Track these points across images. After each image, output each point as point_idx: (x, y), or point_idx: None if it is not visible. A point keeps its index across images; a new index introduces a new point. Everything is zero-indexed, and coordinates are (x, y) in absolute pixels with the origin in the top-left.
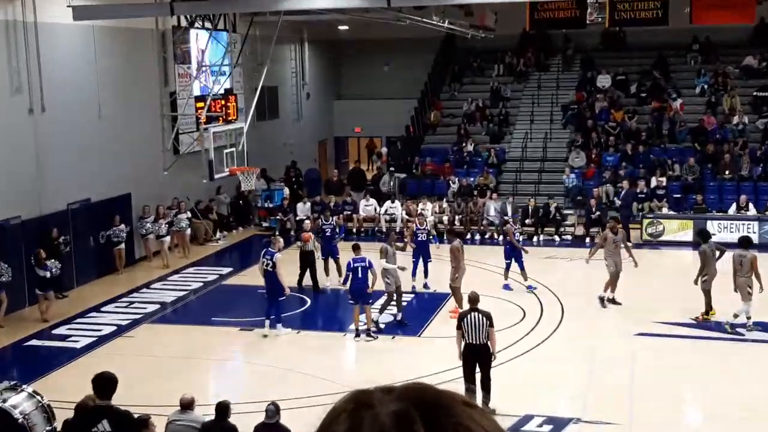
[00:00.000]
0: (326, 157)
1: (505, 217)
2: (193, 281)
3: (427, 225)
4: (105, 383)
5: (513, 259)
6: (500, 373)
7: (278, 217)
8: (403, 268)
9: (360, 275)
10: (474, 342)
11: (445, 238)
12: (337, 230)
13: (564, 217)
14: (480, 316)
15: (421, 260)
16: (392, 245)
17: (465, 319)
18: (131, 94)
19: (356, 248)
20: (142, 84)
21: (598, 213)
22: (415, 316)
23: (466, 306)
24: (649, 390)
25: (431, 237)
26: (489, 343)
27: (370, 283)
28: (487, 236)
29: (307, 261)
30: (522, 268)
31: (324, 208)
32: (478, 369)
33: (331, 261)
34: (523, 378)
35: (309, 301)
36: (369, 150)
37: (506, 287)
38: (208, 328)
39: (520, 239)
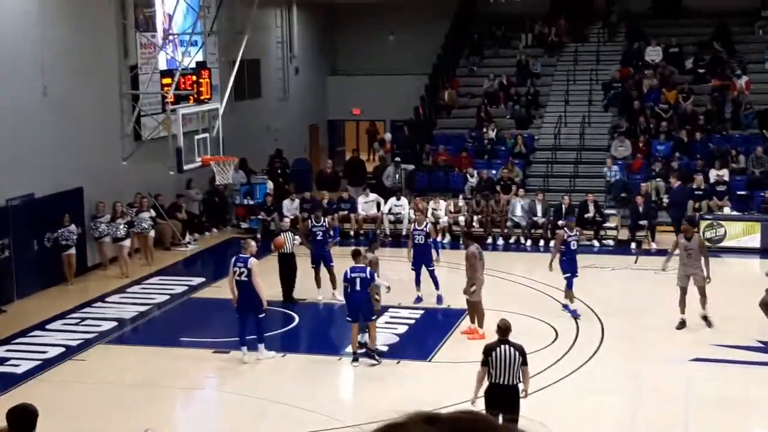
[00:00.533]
0: (318, 144)
1: (561, 222)
2: (158, 293)
3: (426, 226)
4: (23, 418)
5: (571, 271)
6: (531, 406)
7: (260, 216)
8: (388, 289)
9: (359, 287)
10: (501, 382)
11: (460, 242)
12: (331, 233)
13: (605, 218)
14: (511, 350)
15: (423, 268)
16: (373, 252)
17: (493, 354)
18: (83, 69)
19: (356, 255)
20: (96, 56)
21: (645, 213)
22: (424, 336)
23: (486, 329)
24: (706, 426)
25: (431, 240)
26: (520, 384)
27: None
28: (512, 241)
29: (288, 267)
30: (569, 285)
31: (315, 207)
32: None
33: (323, 269)
34: (557, 412)
35: (296, 318)
36: (370, 136)
37: (574, 313)
38: (174, 350)
39: (575, 245)
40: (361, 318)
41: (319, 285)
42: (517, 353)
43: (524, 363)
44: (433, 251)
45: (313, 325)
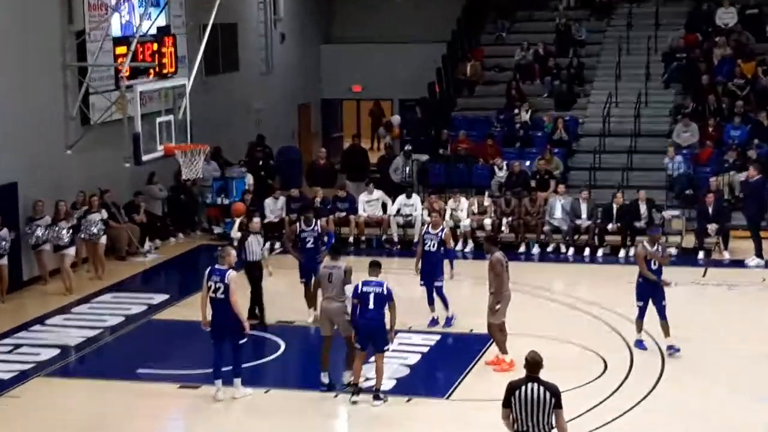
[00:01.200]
0: (309, 129)
1: (645, 236)
2: (110, 314)
3: (442, 231)
4: None
5: (650, 300)
6: None
7: (237, 219)
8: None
9: (372, 305)
10: (528, 430)
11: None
12: (325, 239)
13: (665, 221)
14: (541, 390)
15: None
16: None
17: (516, 394)
18: (18, 36)
19: (374, 267)
20: (33, 21)
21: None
22: (440, 367)
23: (512, 362)
24: None
25: (442, 249)
26: None
27: (387, 321)
28: (550, 249)
29: (252, 279)
30: (662, 315)
31: (305, 206)
32: None
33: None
34: None
35: (282, 345)
36: (374, 119)
37: (639, 344)
38: (131, 384)
39: (666, 254)
40: (372, 347)
41: (310, 304)
42: (547, 394)
43: (558, 405)
44: (446, 263)
45: (302, 354)
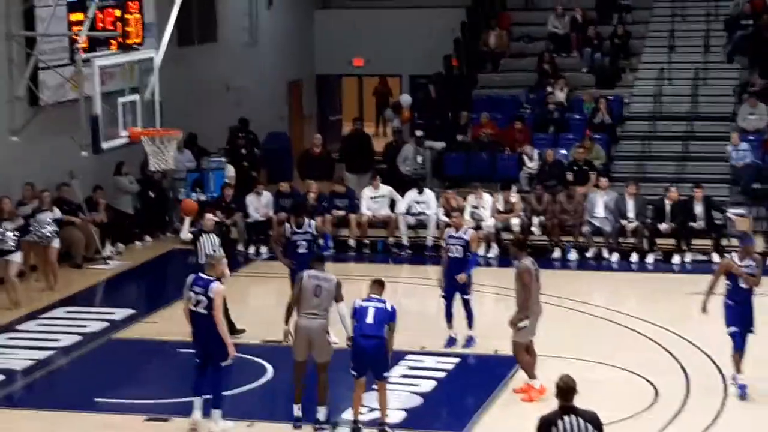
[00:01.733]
0: (302, 111)
1: (732, 254)
2: (63, 333)
3: (467, 232)
4: None
5: (740, 324)
6: None
7: (215, 218)
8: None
9: (371, 320)
10: None
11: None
12: (320, 242)
13: (728, 221)
14: (581, 423)
15: (457, 295)
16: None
17: (557, 428)
18: None
19: (377, 284)
20: None
21: None
22: (459, 396)
23: (542, 388)
24: None
25: (468, 253)
26: None
27: (389, 345)
28: (589, 254)
29: None
30: (738, 345)
31: (297, 204)
32: None
33: None
34: None
35: (269, 370)
36: (379, 99)
37: (741, 390)
38: (88, 415)
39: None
40: (371, 373)
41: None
42: (590, 427)
43: None
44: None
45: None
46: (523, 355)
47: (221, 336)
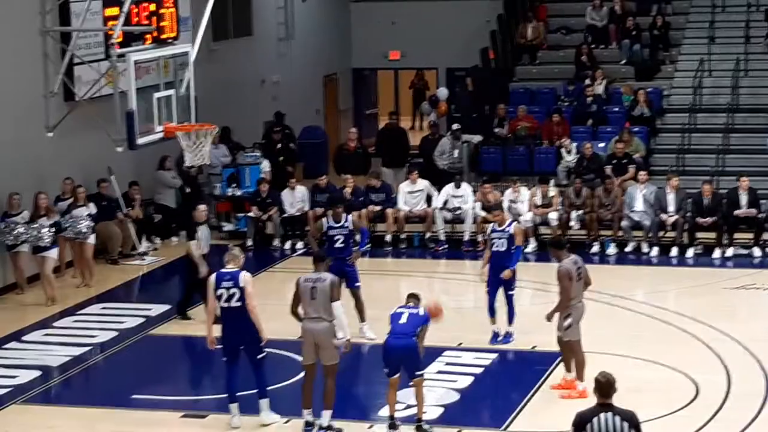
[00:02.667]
0: (337, 105)
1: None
2: (100, 329)
3: (511, 226)
4: None
5: None
6: None
7: (251, 213)
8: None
9: (404, 321)
10: None
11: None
12: (357, 238)
13: None
14: (617, 420)
15: (501, 290)
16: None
17: (588, 428)
18: None
19: (413, 298)
20: None
21: None
22: (497, 392)
23: (584, 392)
24: None
25: (513, 248)
26: None
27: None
28: (629, 248)
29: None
30: None
31: (334, 198)
32: None
33: (346, 293)
34: None
35: None
36: (415, 93)
37: None
38: (124, 412)
39: None
40: (404, 371)
41: (361, 317)
42: (626, 425)
43: None
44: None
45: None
46: (579, 355)
47: (255, 325)
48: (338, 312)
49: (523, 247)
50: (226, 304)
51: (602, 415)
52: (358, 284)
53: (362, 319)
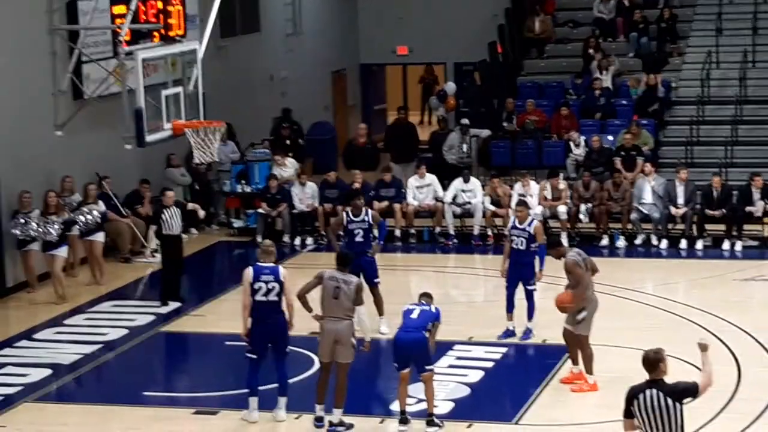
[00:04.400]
0: (346, 101)
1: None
2: (111, 327)
3: (531, 224)
4: None
5: None
6: None
7: (260, 209)
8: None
9: (415, 317)
10: None
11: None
12: (375, 232)
13: None
14: (661, 396)
15: (520, 285)
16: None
17: (636, 403)
18: None
19: (426, 296)
20: None
21: None
22: (507, 386)
23: (595, 385)
24: None
25: (533, 245)
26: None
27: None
28: (638, 241)
29: (174, 254)
30: None
31: (352, 193)
32: None
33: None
34: None
35: (317, 362)
36: (424, 88)
37: None
38: (137, 409)
39: None
40: (414, 365)
41: (380, 311)
42: (670, 402)
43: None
44: (537, 262)
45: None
46: (588, 349)
47: (289, 318)
48: (362, 316)
49: (545, 245)
50: (263, 298)
51: (648, 392)
52: (377, 280)
53: (380, 313)
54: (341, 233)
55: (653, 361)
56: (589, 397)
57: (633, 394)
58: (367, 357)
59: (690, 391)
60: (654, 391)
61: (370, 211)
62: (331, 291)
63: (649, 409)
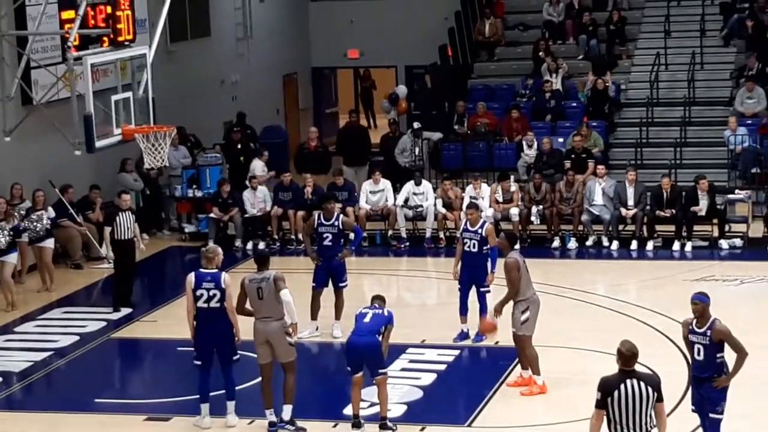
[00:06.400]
0: (297, 104)
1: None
2: (61, 333)
3: (483, 227)
4: None
5: None
6: None
7: (212, 214)
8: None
9: (368, 320)
10: (626, 431)
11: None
12: (351, 236)
13: (728, 207)
14: (641, 385)
15: (474, 288)
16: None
17: (615, 395)
18: None
19: (379, 299)
20: None
21: None
22: (460, 389)
23: (544, 386)
24: None
25: (485, 247)
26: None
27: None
28: (589, 242)
29: (125, 261)
30: None
31: (326, 195)
32: None
33: (327, 292)
34: None
35: None
36: (363, 92)
37: None
38: (88, 416)
39: None
40: (367, 369)
41: (314, 315)
42: (648, 389)
43: (659, 399)
44: (489, 264)
45: (297, 376)
46: (531, 349)
47: (232, 325)
48: (287, 298)
49: (497, 247)
50: (205, 305)
51: (627, 382)
52: (342, 284)
53: (337, 317)
54: (314, 236)
55: (633, 354)
56: (541, 398)
57: (609, 386)
58: (320, 360)
59: (661, 392)
60: (634, 381)
61: (342, 216)
62: (255, 292)
63: (628, 399)
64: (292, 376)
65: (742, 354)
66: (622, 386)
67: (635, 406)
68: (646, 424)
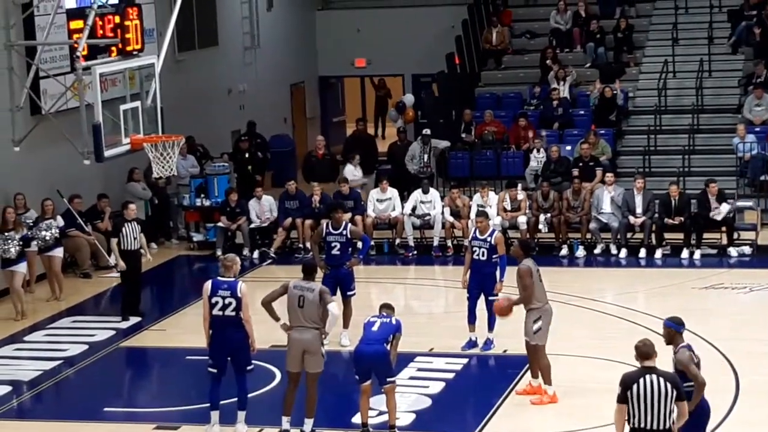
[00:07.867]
0: (305, 113)
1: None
2: (71, 342)
3: (492, 235)
4: None
5: None
6: None
7: (220, 223)
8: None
9: (376, 329)
10: (648, 427)
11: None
12: (359, 245)
13: (737, 214)
14: (660, 381)
15: (482, 296)
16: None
17: (634, 389)
18: None
19: (387, 308)
20: None
21: None
22: (468, 397)
23: (554, 396)
24: None
25: (494, 256)
26: (674, 427)
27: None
28: (597, 251)
29: (132, 268)
30: None
31: (335, 204)
32: None
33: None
34: None
35: (279, 375)
36: (378, 101)
37: None
38: (97, 425)
39: None
40: (375, 378)
41: (345, 323)
42: (668, 385)
43: (680, 398)
44: (498, 272)
45: (302, 385)
46: (544, 359)
47: (248, 334)
48: (336, 312)
49: (506, 256)
50: (220, 313)
51: (647, 377)
52: (351, 293)
53: (345, 326)
54: (322, 244)
55: (650, 352)
56: (550, 406)
57: (629, 380)
58: (329, 369)
59: (681, 390)
60: (654, 376)
61: (350, 225)
62: (296, 300)
63: (648, 395)
64: (315, 388)
65: (698, 384)
66: (642, 380)
67: (653, 400)
68: (665, 418)
